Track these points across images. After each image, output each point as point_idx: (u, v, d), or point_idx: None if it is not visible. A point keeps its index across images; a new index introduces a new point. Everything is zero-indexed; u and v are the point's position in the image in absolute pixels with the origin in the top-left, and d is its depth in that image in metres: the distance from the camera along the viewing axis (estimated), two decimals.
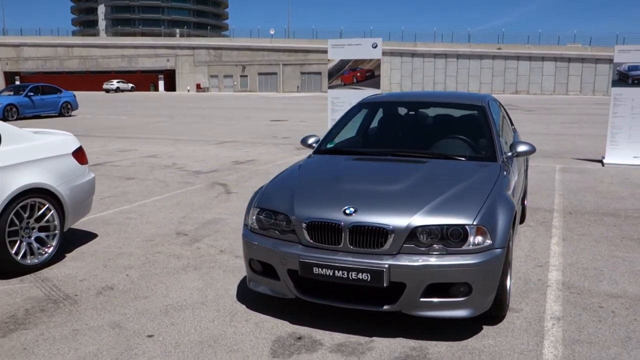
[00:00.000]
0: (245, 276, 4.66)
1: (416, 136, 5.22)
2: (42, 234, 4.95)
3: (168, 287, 4.47)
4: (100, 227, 6.23)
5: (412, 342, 3.52)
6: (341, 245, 3.56)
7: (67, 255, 5.26)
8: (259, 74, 72.03)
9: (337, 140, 5.35)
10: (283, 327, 3.74)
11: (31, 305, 4.12)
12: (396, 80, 66.66)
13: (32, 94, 24.56)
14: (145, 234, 5.99)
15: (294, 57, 70.75)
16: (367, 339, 3.58)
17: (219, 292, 4.37)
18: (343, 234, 3.55)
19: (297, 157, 11.94)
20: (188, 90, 72.95)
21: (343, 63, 8.81)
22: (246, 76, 72.41)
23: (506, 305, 3.81)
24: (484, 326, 3.73)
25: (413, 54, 66.42)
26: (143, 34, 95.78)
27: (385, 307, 3.52)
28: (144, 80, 75.34)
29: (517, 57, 63.81)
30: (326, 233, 3.60)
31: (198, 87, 73.46)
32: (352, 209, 3.60)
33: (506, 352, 3.40)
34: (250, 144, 14.53)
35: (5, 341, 3.56)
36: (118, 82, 70.16)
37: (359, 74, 8.73)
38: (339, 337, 3.61)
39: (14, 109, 23.08)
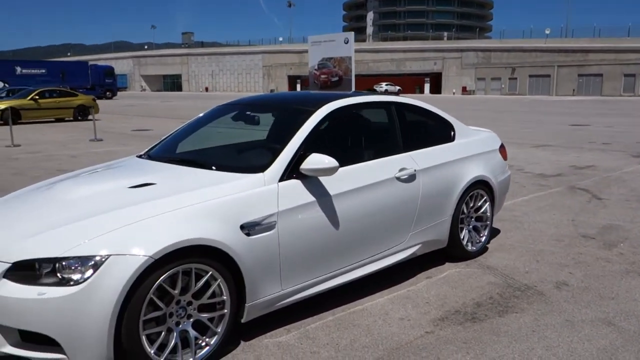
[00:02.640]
0: None
1: None
2: (478, 224, 5.23)
3: (629, 291, 4.32)
4: (495, 223, 6.39)
5: None
6: None
7: (488, 246, 5.48)
8: (530, 76, 68.70)
9: None
10: None
11: (500, 291, 4.35)
12: None
13: None
14: (547, 233, 5.97)
15: (570, 57, 65.85)
16: None
17: None
18: None
19: (638, 165, 10.91)
20: (453, 93, 73.07)
21: None
22: (515, 79, 69.71)
23: None
24: None
25: None
26: (407, 38, 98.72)
27: None
28: (410, 82, 77.61)
29: None
30: None
31: (464, 89, 73.11)
32: None
33: None
34: (572, 148, 13.75)
35: (505, 321, 3.79)
36: (386, 84, 73.45)
37: None
38: None
39: None
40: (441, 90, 76.13)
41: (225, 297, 3.24)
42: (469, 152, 5.07)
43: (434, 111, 5.04)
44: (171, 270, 2.96)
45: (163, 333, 3.03)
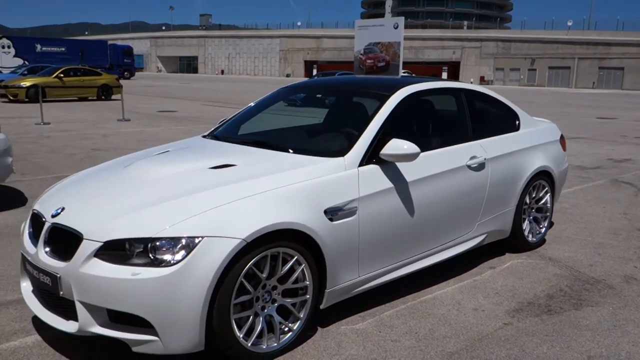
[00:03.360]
0: None
1: None
2: (538, 215, 5.14)
3: None
4: None
5: None
6: None
7: (545, 238, 5.38)
8: (550, 67, 67.87)
9: None
10: None
11: (569, 283, 4.27)
12: None
13: None
14: (602, 226, 5.87)
15: (592, 50, 64.92)
16: None
17: None
18: None
19: None
20: (471, 82, 72.30)
21: None
22: (535, 70, 68.89)
23: None
24: None
25: None
26: (426, 27, 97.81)
27: None
28: (427, 71, 76.82)
29: None
30: None
31: (482, 79, 72.40)
32: None
33: None
34: (604, 141, 13.56)
35: (583, 314, 3.71)
36: (404, 72, 72.51)
37: None
38: None
39: None
40: (458, 79, 75.39)
41: (307, 283, 3.19)
42: (534, 142, 4.97)
43: (501, 99, 4.94)
44: (261, 254, 2.91)
45: (250, 317, 2.99)
